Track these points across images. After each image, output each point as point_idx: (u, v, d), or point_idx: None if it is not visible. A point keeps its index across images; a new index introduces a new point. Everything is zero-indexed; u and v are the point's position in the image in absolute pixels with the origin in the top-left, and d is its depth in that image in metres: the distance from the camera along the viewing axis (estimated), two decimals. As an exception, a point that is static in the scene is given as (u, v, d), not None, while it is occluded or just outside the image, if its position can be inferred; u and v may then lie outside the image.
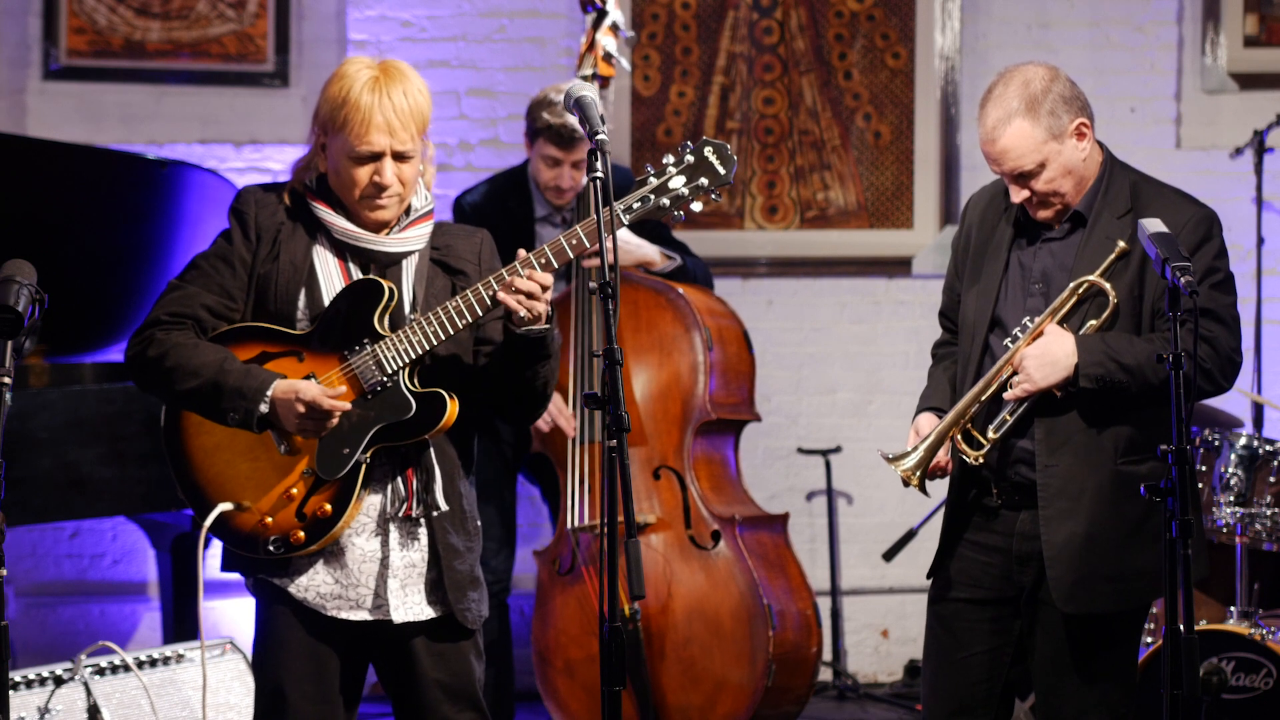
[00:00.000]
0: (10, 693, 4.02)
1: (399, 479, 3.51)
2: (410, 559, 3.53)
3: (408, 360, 3.45)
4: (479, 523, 3.64)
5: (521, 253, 3.42)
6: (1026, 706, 5.07)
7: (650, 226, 5.52)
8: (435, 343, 3.44)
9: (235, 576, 3.61)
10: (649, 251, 5.47)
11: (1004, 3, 6.81)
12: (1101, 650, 3.78)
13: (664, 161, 3.46)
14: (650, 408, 5.34)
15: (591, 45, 5.33)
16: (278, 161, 6.66)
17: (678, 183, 3.44)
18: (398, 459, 3.51)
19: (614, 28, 5.35)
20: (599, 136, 3.24)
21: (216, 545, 3.58)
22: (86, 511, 5.30)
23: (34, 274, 3.22)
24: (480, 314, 3.44)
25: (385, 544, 3.52)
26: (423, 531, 3.54)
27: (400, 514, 3.51)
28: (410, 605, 3.52)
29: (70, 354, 5.59)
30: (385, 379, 3.45)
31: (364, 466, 3.46)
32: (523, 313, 3.38)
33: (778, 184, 6.78)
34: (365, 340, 3.46)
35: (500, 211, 5.43)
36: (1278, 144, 6.52)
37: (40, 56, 6.56)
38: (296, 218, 3.55)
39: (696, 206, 3.45)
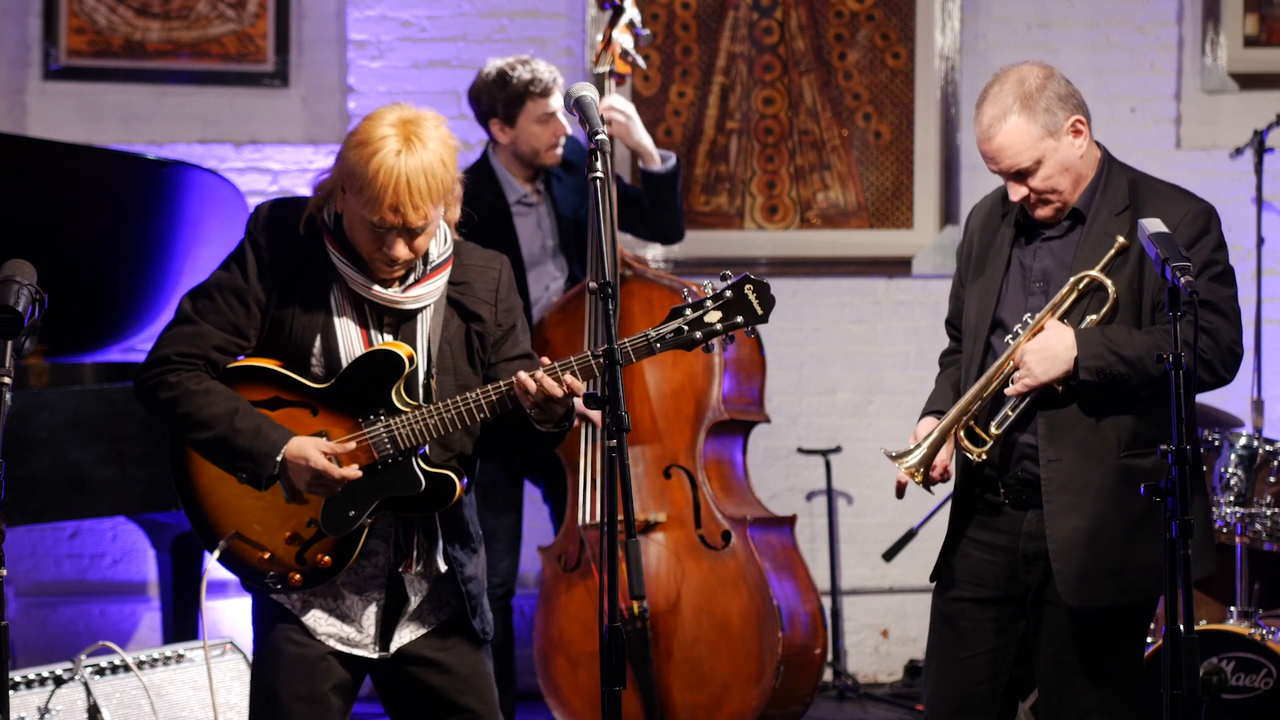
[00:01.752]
0: (10, 693, 4.02)
1: (401, 537, 3.53)
2: (415, 601, 3.56)
3: (421, 442, 3.44)
4: (479, 531, 3.64)
5: (545, 360, 3.41)
6: (1027, 707, 5.07)
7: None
8: (450, 431, 3.43)
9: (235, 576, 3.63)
10: (646, 142, 5.46)
11: (1004, 3, 6.81)
12: (1106, 651, 3.78)
13: (704, 291, 3.41)
14: (662, 406, 5.34)
15: (609, 43, 5.35)
16: (277, 161, 6.65)
17: (713, 317, 3.42)
18: (403, 517, 3.52)
19: (630, 25, 5.37)
20: (599, 136, 3.23)
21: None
22: (86, 511, 5.29)
23: (34, 274, 3.22)
24: (500, 412, 3.43)
25: (388, 591, 3.54)
26: (423, 581, 3.56)
27: (400, 569, 3.53)
28: (405, 636, 3.56)
29: (70, 354, 5.59)
30: (398, 454, 3.45)
31: (368, 525, 3.48)
32: (557, 399, 3.37)
33: (778, 184, 6.78)
34: (381, 412, 3.44)
35: (477, 205, 5.42)
36: (1278, 144, 6.52)
37: (40, 56, 6.56)
38: (313, 256, 3.48)
39: (730, 344, 3.45)
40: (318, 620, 3.52)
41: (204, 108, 6.65)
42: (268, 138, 6.65)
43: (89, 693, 4.56)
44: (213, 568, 3.65)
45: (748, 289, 3.40)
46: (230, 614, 6.24)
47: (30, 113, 6.54)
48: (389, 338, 3.49)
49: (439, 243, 3.51)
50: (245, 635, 4.00)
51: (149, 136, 6.59)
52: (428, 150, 3.33)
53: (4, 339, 3.13)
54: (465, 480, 3.50)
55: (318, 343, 3.48)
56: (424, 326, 3.51)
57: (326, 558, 3.47)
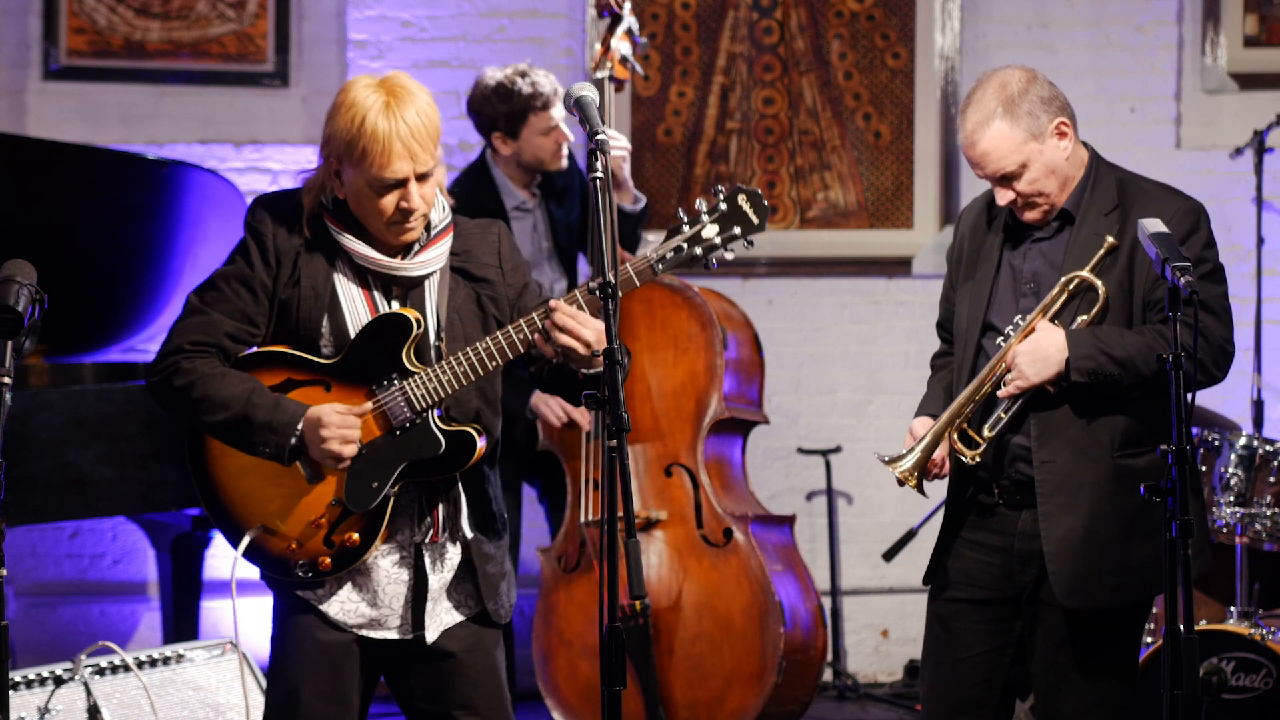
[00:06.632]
0: (10, 693, 4.02)
1: (426, 508, 3.52)
2: (442, 579, 3.54)
3: (437, 399, 3.44)
4: (505, 515, 3.64)
5: (553, 301, 3.41)
6: (1027, 707, 5.07)
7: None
8: (465, 384, 3.44)
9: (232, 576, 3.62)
10: (628, 179, 5.47)
11: (1004, 3, 6.81)
12: (1102, 650, 3.78)
13: (697, 208, 3.43)
14: (664, 405, 5.35)
15: (607, 49, 5.36)
16: (277, 161, 6.65)
17: (711, 231, 3.42)
18: (425, 487, 3.52)
19: (629, 33, 5.39)
20: (599, 136, 3.24)
21: (220, 550, 3.57)
22: (86, 511, 5.29)
23: (34, 274, 3.22)
24: (510, 357, 3.44)
25: (414, 567, 3.53)
26: (452, 549, 3.55)
27: (427, 540, 3.52)
28: (441, 621, 3.54)
29: (70, 354, 5.59)
30: (414, 416, 3.45)
31: (392, 498, 3.47)
32: (578, 349, 3.36)
33: (778, 184, 6.78)
34: (394, 375, 3.45)
35: (477, 210, 5.43)
36: (1278, 144, 6.52)
37: (40, 56, 6.57)
38: (315, 239, 3.51)
39: (729, 255, 3.44)
40: (344, 610, 3.52)
41: (204, 108, 6.65)
42: (268, 138, 6.66)
43: (89, 693, 4.55)
44: (214, 566, 3.65)
45: (741, 199, 3.42)
46: (230, 614, 6.24)
47: (30, 113, 6.55)
48: (397, 307, 3.51)
49: (438, 210, 3.54)
50: (245, 635, 4.00)
51: (149, 136, 6.59)
52: (412, 95, 3.41)
53: (4, 339, 3.13)
54: (484, 439, 3.48)
55: (325, 322, 3.49)
56: (431, 295, 3.53)
57: (354, 535, 3.47)
